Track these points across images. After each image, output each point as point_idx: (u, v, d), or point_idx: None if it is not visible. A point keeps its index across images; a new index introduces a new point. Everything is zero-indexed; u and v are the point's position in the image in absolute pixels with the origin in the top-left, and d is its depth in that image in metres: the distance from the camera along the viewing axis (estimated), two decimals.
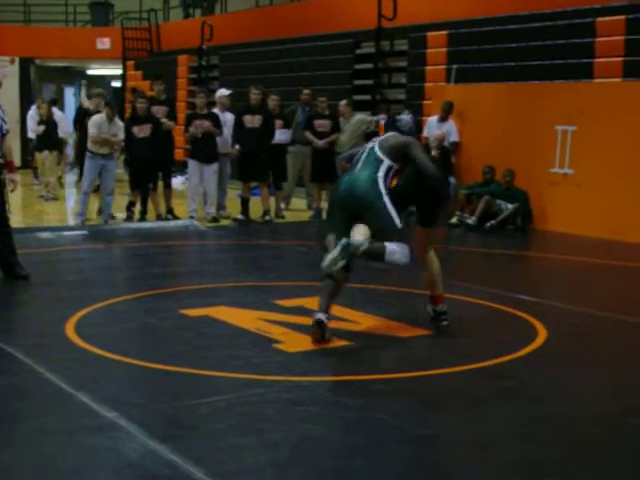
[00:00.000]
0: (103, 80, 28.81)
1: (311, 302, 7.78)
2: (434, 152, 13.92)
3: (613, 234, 12.17)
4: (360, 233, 6.52)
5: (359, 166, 6.82)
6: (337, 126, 14.42)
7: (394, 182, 6.78)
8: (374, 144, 6.92)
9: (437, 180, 6.84)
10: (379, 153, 6.79)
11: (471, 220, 13.40)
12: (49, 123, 17.04)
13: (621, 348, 6.91)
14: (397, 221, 6.59)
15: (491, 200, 13.41)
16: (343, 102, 14.85)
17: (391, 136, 6.95)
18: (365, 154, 6.88)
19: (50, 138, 16.99)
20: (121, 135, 13.05)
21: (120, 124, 13.18)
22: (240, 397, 5.29)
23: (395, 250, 6.47)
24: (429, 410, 5.32)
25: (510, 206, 13.30)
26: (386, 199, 6.60)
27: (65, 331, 6.75)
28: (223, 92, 14.71)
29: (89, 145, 13.01)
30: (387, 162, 6.73)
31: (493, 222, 13.26)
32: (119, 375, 5.82)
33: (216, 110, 14.19)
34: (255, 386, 5.51)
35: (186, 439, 4.62)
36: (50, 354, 6.23)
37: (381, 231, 6.54)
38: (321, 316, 6.51)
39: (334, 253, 6.30)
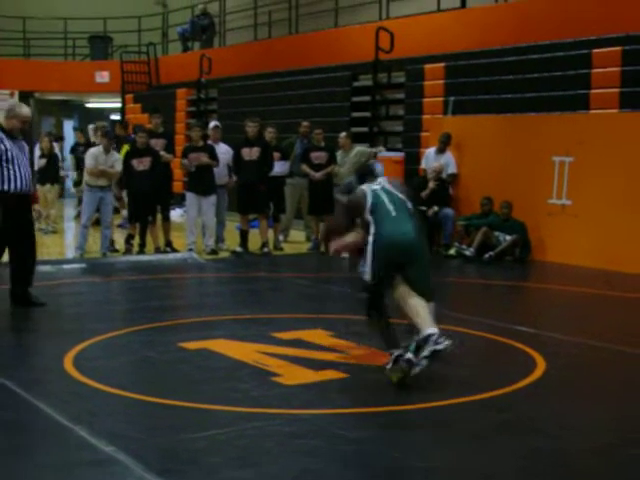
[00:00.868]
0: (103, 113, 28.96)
1: (309, 334, 7.81)
2: (431, 184, 13.98)
3: (611, 265, 12.19)
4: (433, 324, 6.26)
5: (401, 216, 6.53)
6: (333, 158, 14.45)
7: None
8: (400, 194, 6.67)
9: None
10: (407, 201, 6.69)
11: (469, 252, 13.41)
12: (50, 157, 17.09)
13: (619, 379, 6.92)
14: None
15: (489, 231, 13.43)
16: (343, 134, 14.83)
17: (395, 186, 6.80)
18: (396, 205, 6.56)
19: (51, 172, 17.03)
20: (118, 167, 13.08)
21: (117, 156, 13.23)
22: (238, 430, 5.28)
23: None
24: (428, 442, 5.31)
25: (508, 237, 13.32)
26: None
27: (64, 365, 6.74)
28: (210, 125, 14.93)
29: (87, 178, 13.05)
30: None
31: (491, 253, 13.27)
32: (117, 409, 5.81)
33: (210, 142, 14.28)
34: (253, 419, 5.50)
35: (184, 473, 4.61)
36: (49, 388, 6.23)
37: (422, 288, 6.44)
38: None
39: (422, 362, 6.11)
